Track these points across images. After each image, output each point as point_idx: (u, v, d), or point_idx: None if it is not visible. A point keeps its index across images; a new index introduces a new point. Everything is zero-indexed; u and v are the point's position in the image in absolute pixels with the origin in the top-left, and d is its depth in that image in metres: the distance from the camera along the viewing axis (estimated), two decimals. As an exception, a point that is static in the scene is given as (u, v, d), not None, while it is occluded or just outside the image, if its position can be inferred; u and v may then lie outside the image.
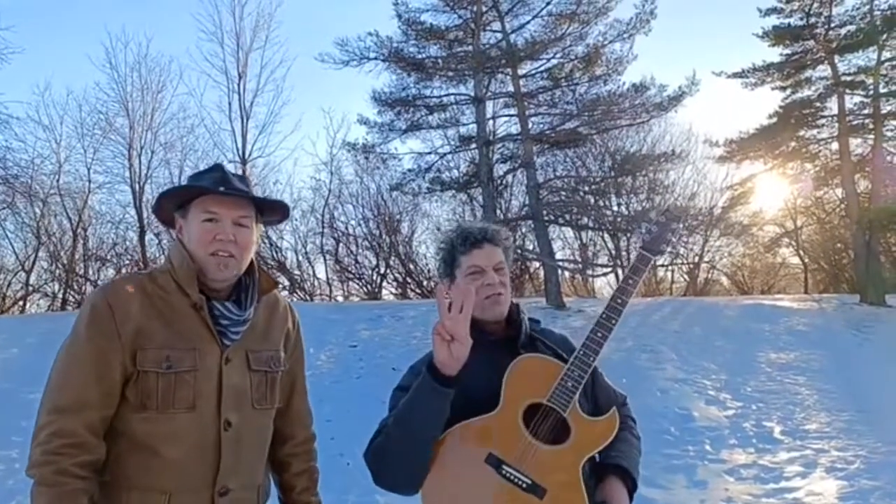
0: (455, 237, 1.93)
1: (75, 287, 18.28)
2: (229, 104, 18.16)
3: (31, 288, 18.37)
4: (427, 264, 20.79)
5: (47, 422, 1.56)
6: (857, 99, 17.02)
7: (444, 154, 16.35)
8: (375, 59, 14.82)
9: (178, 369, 1.63)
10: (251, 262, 1.80)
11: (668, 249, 1.92)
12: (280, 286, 1.91)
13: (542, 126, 15.46)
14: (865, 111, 16.92)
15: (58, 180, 17.94)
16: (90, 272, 18.75)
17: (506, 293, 1.89)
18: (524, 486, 1.66)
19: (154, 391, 1.61)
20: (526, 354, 1.81)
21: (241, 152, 18.02)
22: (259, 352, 1.77)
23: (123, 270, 18.23)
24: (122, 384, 1.63)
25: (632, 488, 1.80)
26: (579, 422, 1.74)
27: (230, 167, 1.87)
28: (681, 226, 1.97)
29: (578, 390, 1.74)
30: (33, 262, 18.24)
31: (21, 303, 18.25)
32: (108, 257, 18.72)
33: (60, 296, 18.13)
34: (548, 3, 14.84)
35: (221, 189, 1.70)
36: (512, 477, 1.66)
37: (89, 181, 18.26)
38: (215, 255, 1.69)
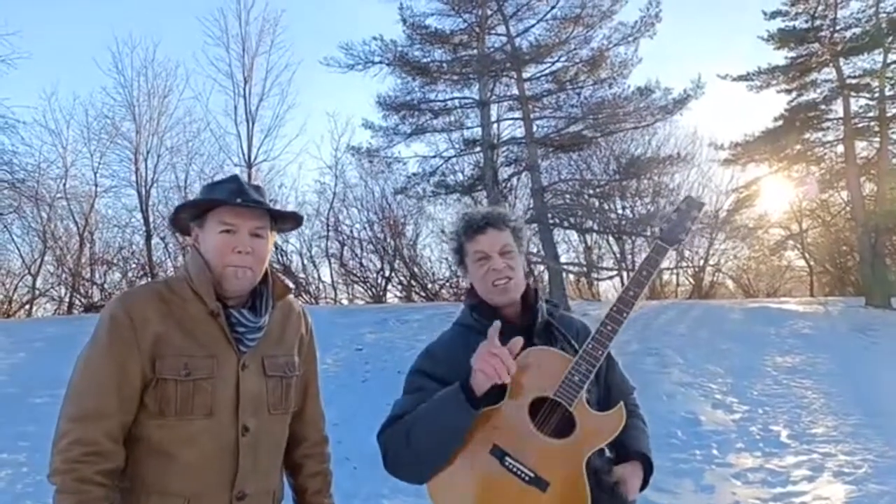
0: (460, 226, 1.96)
1: (82, 291, 18.33)
2: (235, 108, 18.26)
3: (37, 292, 18.42)
4: (431, 268, 20.81)
5: (68, 430, 1.58)
6: (862, 101, 17.02)
7: (449, 158, 16.41)
8: (380, 63, 14.85)
9: (196, 376, 1.65)
10: (266, 270, 1.82)
11: (686, 239, 1.91)
12: (293, 291, 1.93)
13: (546, 129, 15.47)
14: (871, 114, 16.89)
15: (64, 184, 18.04)
16: (97, 276, 18.81)
17: (515, 277, 1.89)
18: (527, 478, 1.68)
19: (173, 398, 1.64)
20: (535, 347, 1.81)
21: (246, 156, 18.09)
22: (274, 357, 1.80)
23: (130, 274, 18.29)
24: (141, 391, 1.65)
25: (648, 472, 1.83)
26: (585, 416, 1.74)
27: (237, 171, 1.90)
28: (700, 214, 1.95)
29: (585, 385, 1.74)
30: (39, 266, 18.29)
31: (27, 306, 18.31)
32: (115, 261, 18.77)
33: (67, 300, 18.18)
34: (552, 7, 14.85)
35: (239, 201, 1.73)
36: (515, 469, 1.69)
37: (96, 185, 18.34)
38: (233, 266, 1.71)
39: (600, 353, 1.76)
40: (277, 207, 1.89)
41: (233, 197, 1.73)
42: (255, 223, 1.75)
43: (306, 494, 1.93)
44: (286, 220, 1.88)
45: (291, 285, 1.90)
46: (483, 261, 1.89)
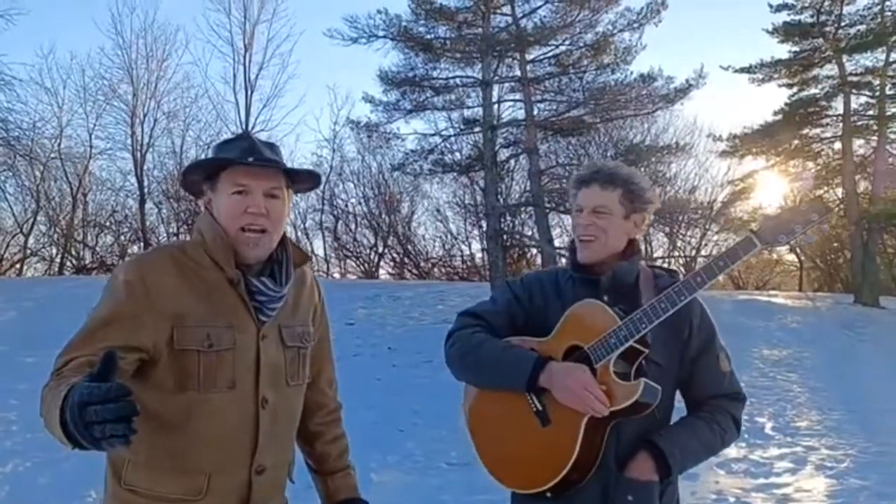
0: (575, 173, 2.00)
1: (73, 252, 18.28)
2: (234, 76, 18.15)
3: (28, 251, 18.33)
4: (425, 245, 20.83)
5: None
6: (862, 99, 17.05)
7: (448, 136, 16.29)
8: (384, 37, 14.68)
9: (219, 347, 1.58)
10: (283, 236, 1.74)
11: (786, 242, 1.85)
12: (311, 260, 1.88)
13: (547, 112, 15.40)
14: (870, 112, 16.93)
15: (59, 144, 17.92)
16: (88, 238, 18.74)
17: (601, 238, 1.88)
18: (535, 409, 1.82)
19: (195, 370, 1.55)
20: (588, 300, 1.85)
21: (244, 125, 18.00)
22: (291, 327, 1.73)
23: (122, 238, 18.23)
24: (150, 361, 1.55)
25: (665, 469, 1.80)
26: (605, 378, 1.77)
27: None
28: (820, 220, 1.86)
29: (618, 349, 1.75)
30: (32, 226, 18.20)
31: (18, 265, 18.23)
32: (108, 224, 18.69)
33: (58, 260, 18.11)
34: (559, -11, 14.74)
35: (251, 160, 1.63)
36: (531, 399, 1.83)
37: (90, 147, 18.25)
38: (246, 229, 1.62)
39: (644, 325, 1.74)
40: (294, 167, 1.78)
41: (245, 155, 1.63)
42: (270, 183, 1.65)
43: (329, 459, 1.87)
44: (302, 181, 1.80)
45: (309, 254, 1.83)
46: (577, 213, 1.92)
